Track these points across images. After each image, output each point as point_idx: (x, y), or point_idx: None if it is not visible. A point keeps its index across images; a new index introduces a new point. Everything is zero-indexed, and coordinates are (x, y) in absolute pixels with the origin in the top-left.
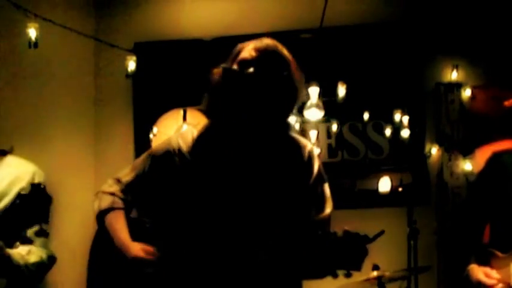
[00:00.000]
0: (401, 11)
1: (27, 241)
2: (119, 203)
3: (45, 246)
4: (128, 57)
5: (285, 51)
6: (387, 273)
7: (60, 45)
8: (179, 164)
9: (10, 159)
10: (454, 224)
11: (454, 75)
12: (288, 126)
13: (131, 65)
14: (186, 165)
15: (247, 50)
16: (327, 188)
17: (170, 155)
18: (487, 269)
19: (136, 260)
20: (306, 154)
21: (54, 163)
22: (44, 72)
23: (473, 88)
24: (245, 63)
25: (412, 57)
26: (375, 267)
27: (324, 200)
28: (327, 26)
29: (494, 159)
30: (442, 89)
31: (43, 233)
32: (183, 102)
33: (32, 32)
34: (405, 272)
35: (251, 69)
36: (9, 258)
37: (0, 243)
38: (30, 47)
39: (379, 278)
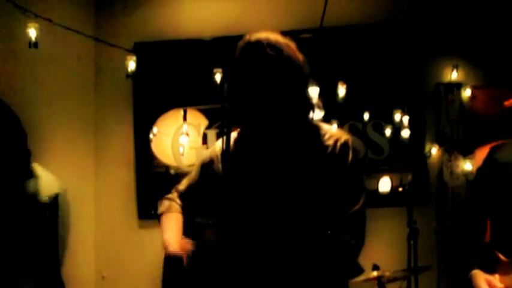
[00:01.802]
0: (401, 11)
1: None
2: (175, 207)
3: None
4: (128, 57)
5: (273, 39)
6: (387, 273)
7: (60, 45)
8: (218, 169)
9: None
10: (454, 223)
11: (454, 75)
12: (304, 109)
13: (131, 65)
14: (225, 169)
15: (239, 47)
16: (361, 180)
17: (213, 161)
18: (490, 278)
19: (172, 256)
20: (339, 146)
21: (54, 163)
22: (44, 72)
23: (473, 88)
24: (236, 62)
25: (412, 57)
26: (375, 267)
27: (359, 192)
28: (327, 26)
29: (492, 153)
30: (442, 89)
31: None
32: (183, 102)
33: (32, 32)
34: (405, 272)
35: (242, 67)
36: None
37: None
38: (30, 47)
39: (379, 278)
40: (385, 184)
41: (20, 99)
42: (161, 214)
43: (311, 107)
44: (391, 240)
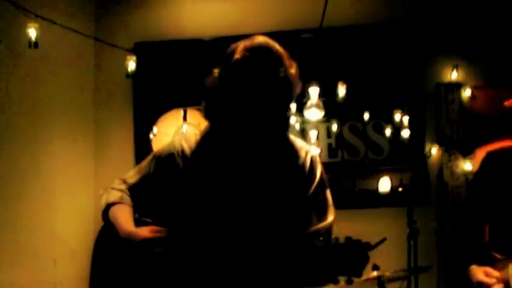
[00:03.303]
0: (401, 11)
1: None
2: (127, 199)
3: None
4: (128, 57)
5: (277, 47)
6: (387, 273)
7: (60, 45)
8: (182, 166)
9: None
10: (454, 224)
11: (454, 75)
12: (286, 126)
13: (131, 65)
14: (189, 167)
15: (240, 51)
16: (328, 194)
17: (173, 157)
18: (487, 268)
19: (146, 241)
20: (308, 160)
21: (54, 163)
22: (44, 72)
23: (473, 88)
24: (239, 64)
25: (412, 57)
26: (375, 267)
27: (326, 208)
28: (327, 26)
29: (489, 159)
30: (442, 89)
31: None
32: (183, 102)
33: (32, 32)
34: (405, 272)
35: (246, 70)
36: None
37: None
38: (30, 47)
39: (379, 278)
40: (385, 184)
41: (20, 99)
42: (111, 204)
43: (289, 124)
44: (391, 240)
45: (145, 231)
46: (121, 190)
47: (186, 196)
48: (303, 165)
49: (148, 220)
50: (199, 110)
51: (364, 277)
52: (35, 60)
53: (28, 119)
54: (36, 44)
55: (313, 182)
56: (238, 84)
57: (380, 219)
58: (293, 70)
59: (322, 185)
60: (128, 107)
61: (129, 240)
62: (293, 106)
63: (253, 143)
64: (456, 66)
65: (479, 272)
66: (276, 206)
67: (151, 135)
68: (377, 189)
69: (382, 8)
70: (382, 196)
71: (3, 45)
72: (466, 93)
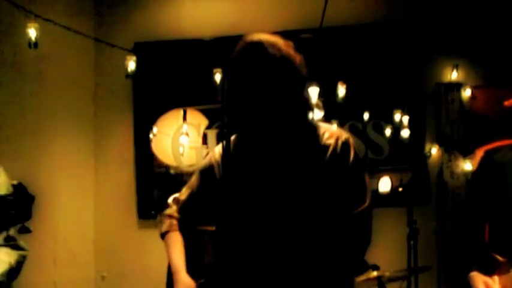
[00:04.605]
0: (401, 11)
1: (11, 239)
2: (175, 225)
3: (15, 247)
4: (128, 57)
5: (273, 38)
6: (387, 273)
7: (60, 45)
8: (218, 174)
9: None
10: (454, 226)
11: (454, 75)
12: (306, 119)
13: (131, 65)
14: (223, 172)
15: (236, 49)
16: (366, 178)
17: (213, 167)
18: (488, 280)
19: None
20: (340, 144)
21: (55, 163)
22: (44, 72)
23: (473, 88)
24: (233, 62)
25: (412, 57)
26: (375, 267)
27: (364, 191)
28: (327, 26)
29: (486, 158)
30: (442, 89)
31: (26, 230)
32: (183, 102)
33: (32, 32)
34: (405, 272)
35: (239, 67)
36: None
37: None
38: (30, 47)
39: (379, 278)
40: (385, 184)
41: (20, 99)
42: (164, 233)
43: (309, 107)
44: (391, 240)
45: (183, 286)
46: (170, 216)
47: (225, 202)
48: (333, 152)
49: (205, 231)
50: (199, 110)
51: (364, 277)
52: (35, 60)
53: (28, 119)
54: (36, 44)
55: (347, 166)
56: (238, 77)
57: (380, 219)
58: (295, 60)
59: (358, 168)
60: (128, 107)
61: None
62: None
63: (270, 137)
64: (456, 66)
65: (479, 282)
66: (305, 199)
67: (151, 135)
68: (377, 189)
69: (382, 8)
70: (382, 196)
71: (3, 45)
72: (466, 93)
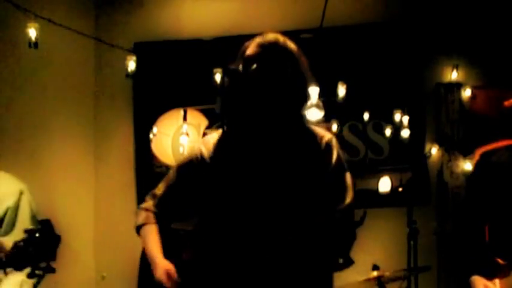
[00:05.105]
0: (401, 11)
1: (35, 276)
2: (152, 218)
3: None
4: (128, 57)
5: (288, 43)
6: (387, 273)
7: (60, 45)
8: (202, 170)
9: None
10: (454, 224)
11: (454, 75)
12: (302, 119)
13: (131, 65)
14: (209, 170)
15: (251, 47)
16: (347, 177)
17: (193, 162)
18: (489, 284)
19: (159, 283)
20: (324, 144)
21: (55, 163)
22: (44, 72)
23: (473, 88)
24: (249, 60)
25: (412, 57)
26: (375, 267)
27: (345, 190)
28: (327, 26)
29: (482, 160)
30: (442, 89)
31: (51, 270)
32: (183, 102)
33: (32, 32)
34: (405, 272)
35: (254, 66)
36: None
37: None
38: (30, 47)
39: (379, 278)
40: (385, 184)
41: (20, 99)
42: (140, 226)
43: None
44: (391, 240)
45: (161, 271)
46: (147, 209)
47: (209, 197)
48: (320, 151)
49: (181, 229)
50: (199, 110)
51: (364, 277)
52: (35, 60)
53: (28, 119)
54: (36, 44)
55: (330, 166)
56: (250, 79)
57: (380, 219)
58: (304, 65)
59: (339, 168)
60: (128, 107)
61: (151, 267)
62: (313, 90)
63: (268, 137)
64: (456, 66)
65: (480, 286)
66: (297, 194)
67: (151, 135)
68: (377, 189)
69: (382, 8)
70: (382, 196)
71: (3, 45)
72: (466, 93)
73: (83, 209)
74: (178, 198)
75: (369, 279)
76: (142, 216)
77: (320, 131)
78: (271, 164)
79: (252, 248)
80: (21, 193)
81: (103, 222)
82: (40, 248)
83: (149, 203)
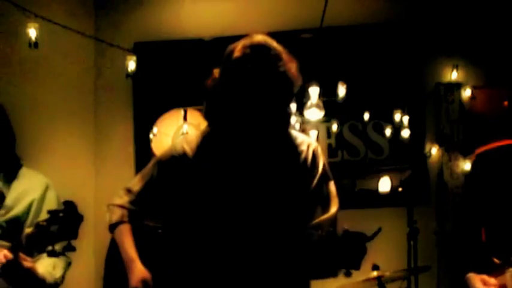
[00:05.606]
0: (401, 11)
1: (55, 254)
2: (126, 216)
3: (66, 258)
4: (128, 57)
5: (275, 44)
6: (387, 273)
7: (60, 45)
8: (185, 168)
9: (25, 171)
10: (454, 228)
11: (454, 75)
12: (287, 122)
13: (131, 65)
14: (191, 168)
15: (239, 50)
16: (332, 186)
17: (175, 160)
18: (485, 277)
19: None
20: (310, 153)
21: (55, 163)
22: (44, 72)
23: (473, 88)
24: (239, 62)
25: (412, 57)
26: (375, 267)
27: (329, 199)
28: (327, 26)
29: (479, 161)
30: (442, 89)
31: (71, 248)
32: (183, 102)
33: (32, 32)
34: (405, 272)
35: (246, 67)
36: (29, 271)
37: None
38: (30, 47)
39: (379, 278)
40: (385, 184)
41: (20, 99)
42: (115, 224)
43: (290, 115)
44: (391, 240)
45: (137, 279)
46: (121, 206)
47: (190, 196)
48: (306, 158)
49: (159, 227)
50: (199, 110)
51: (364, 277)
52: (35, 60)
53: (28, 119)
54: (36, 44)
55: (316, 175)
56: (238, 81)
57: (380, 219)
58: (292, 66)
59: (325, 176)
60: (128, 107)
61: (127, 270)
62: (293, 105)
63: (255, 139)
64: (456, 66)
65: (476, 281)
66: (280, 201)
67: (151, 135)
68: (377, 189)
69: (382, 8)
70: (382, 196)
71: (3, 45)
72: (466, 93)
73: (83, 209)
74: (157, 196)
75: (368, 279)
76: (117, 214)
77: (305, 138)
78: (255, 167)
79: (231, 250)
80: (47, 187)
81: (103, 222)
82: (63, 227)
83: (124, 199)
